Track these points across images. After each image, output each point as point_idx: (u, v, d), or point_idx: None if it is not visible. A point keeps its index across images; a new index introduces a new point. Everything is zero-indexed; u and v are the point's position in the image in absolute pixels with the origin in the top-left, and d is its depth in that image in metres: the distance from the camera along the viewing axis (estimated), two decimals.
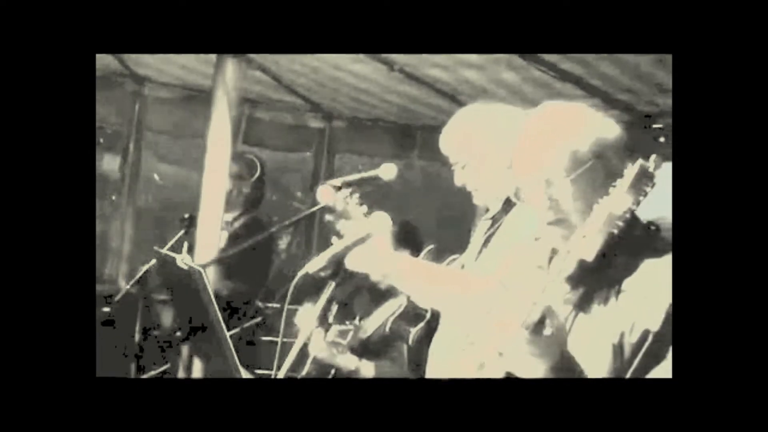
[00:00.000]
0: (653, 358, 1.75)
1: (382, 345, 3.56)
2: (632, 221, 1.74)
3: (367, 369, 3.48)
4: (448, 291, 2.36)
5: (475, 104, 2.74)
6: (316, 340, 3.48)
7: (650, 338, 1.75)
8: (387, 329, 2.31)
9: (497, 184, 2.52)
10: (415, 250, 3.32)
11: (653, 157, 1.68)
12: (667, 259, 1.79)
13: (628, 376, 1.76)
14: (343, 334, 3.50)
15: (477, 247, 2.62)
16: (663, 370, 1.74)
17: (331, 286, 3.04)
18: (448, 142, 2.67)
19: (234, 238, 4.57)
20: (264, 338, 4.65)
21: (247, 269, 4.48)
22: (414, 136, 6.48)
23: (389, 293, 3.72)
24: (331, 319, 3.67)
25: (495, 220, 2.58)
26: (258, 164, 4.86)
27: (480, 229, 2.66)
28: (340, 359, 3.49)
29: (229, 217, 4.70)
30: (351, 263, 2.41)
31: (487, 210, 2.65)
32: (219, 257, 4.31)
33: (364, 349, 3.58)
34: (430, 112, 5.94)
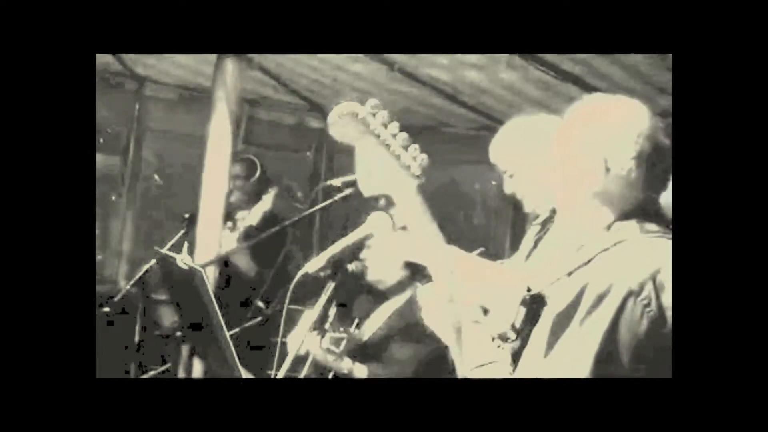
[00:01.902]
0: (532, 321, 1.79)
1: (378, 348, 3.57)
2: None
3: (360, 372, 3.49)
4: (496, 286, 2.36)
5: (523, 116, 2.79)
6: (311, 345, 3.49)
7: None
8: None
9: (546, 193, 2.55)
10: None
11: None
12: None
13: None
14: (336, 342, 3.49)
15: (527, 250, 2.67)
16: (540, 330, 1.78)
17: (331, 286, 3.05)
18: (497, 151, 2.72)
19: (247, 235, 4.63)
20: (264, 338, 4.65)
21: (260, 260, 4.56)
22: (414, 136, 6.45)
23: (388, 294, 3.73)
24: (329, 322, 3.67)
25: (544, 224, 2.63)
26: (258, 164, 4.88)
27: (530, 233, 2.71)
28: (334, 364, 3.50)
29: (242, 215, 4.79)
30: (404, 254, 2.36)
31: (537, 216, 2.70)
32: (233, 250, 4.35)
33: (359, 352, 3.59)
34: (430, 112, 5.94)
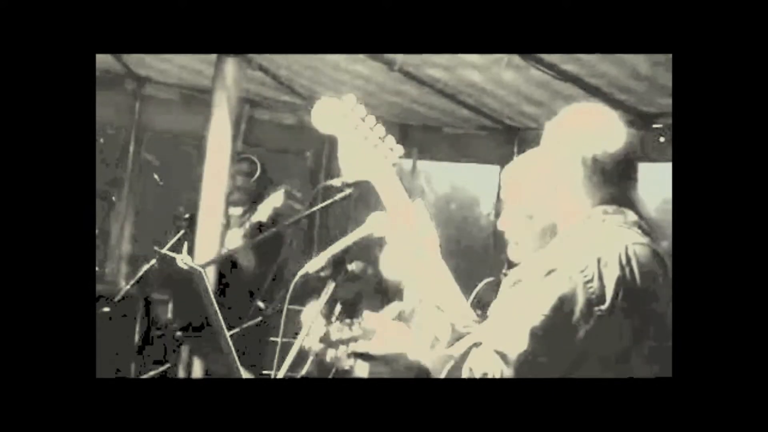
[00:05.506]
0: None
1: None
2: None
3: (361, 369, 3.49)
4: None
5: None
6: (315, 337, 3.49)
7: None
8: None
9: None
10: None
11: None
12: None
13: None
14: (342, 332, 3.50)
15: None
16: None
17: (332, 286, 3.04)
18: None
19: (253, 232, 4.62)
20: (264, 338, 4.66)
21: (261, 257, 4.55)
22: (414, 136, 6.48)
23: (395, 295, 3.73)
24: (334, 319, 3.67)
25: None
26: (258, 164, 4.88)
27: None
28: (338, 355, 3.50)
29: (239, 211, 4.77)
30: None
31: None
32: (234, 250, 4.35)
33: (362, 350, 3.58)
34: (430, 112, 5.94)
